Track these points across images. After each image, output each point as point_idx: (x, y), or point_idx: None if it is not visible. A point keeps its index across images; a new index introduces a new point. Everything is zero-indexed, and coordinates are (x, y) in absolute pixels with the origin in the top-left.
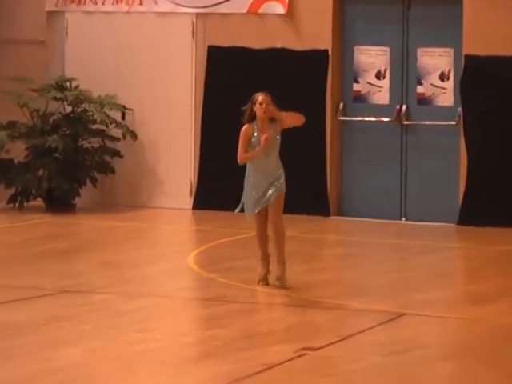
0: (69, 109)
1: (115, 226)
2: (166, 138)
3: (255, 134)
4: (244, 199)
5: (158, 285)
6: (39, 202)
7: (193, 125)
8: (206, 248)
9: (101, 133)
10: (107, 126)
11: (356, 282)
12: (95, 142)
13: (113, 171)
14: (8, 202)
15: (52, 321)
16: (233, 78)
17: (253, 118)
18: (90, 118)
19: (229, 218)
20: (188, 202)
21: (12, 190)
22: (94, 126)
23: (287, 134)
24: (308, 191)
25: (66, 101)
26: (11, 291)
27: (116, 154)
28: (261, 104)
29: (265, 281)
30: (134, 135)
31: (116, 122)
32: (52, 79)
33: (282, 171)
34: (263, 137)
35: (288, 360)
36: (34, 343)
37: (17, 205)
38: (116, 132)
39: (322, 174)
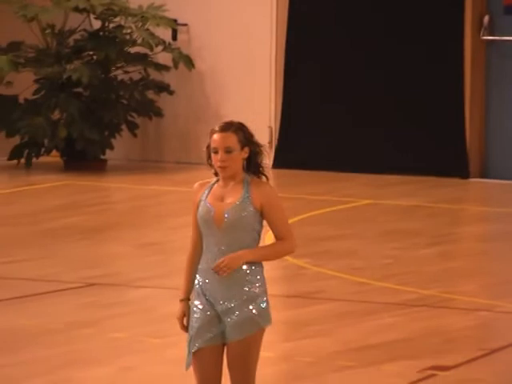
0: (97, 24)
1: (162, 193)
2: (235, 68)
3: (204, 195)
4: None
5: None
6: (55, 156)
7: (273, 48)
8: (292, 223)
9: (143, 59)
10: (151, 50)
11: (507, 272)
12: (135, 73)
13: (159, 114)
14: (10, 158)
15: (71, 327)
16: None
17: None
18: (128, 37)
19: (324, 179)
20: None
21: (16, 140)
22: (133, 50)
23: (402, 71)
24: (438, 144)
25: (93, 13)
26: (14, 284)
27: (164, 89)
28: (215, 152)
29: None
30: (189, 62)
31: (164, 43)
32: None
33: (258, 280)
34: (220, 261)
35: None
36: (46, 359)
37: (23, 161)
38: (164, 58)
39: (458, 120)
